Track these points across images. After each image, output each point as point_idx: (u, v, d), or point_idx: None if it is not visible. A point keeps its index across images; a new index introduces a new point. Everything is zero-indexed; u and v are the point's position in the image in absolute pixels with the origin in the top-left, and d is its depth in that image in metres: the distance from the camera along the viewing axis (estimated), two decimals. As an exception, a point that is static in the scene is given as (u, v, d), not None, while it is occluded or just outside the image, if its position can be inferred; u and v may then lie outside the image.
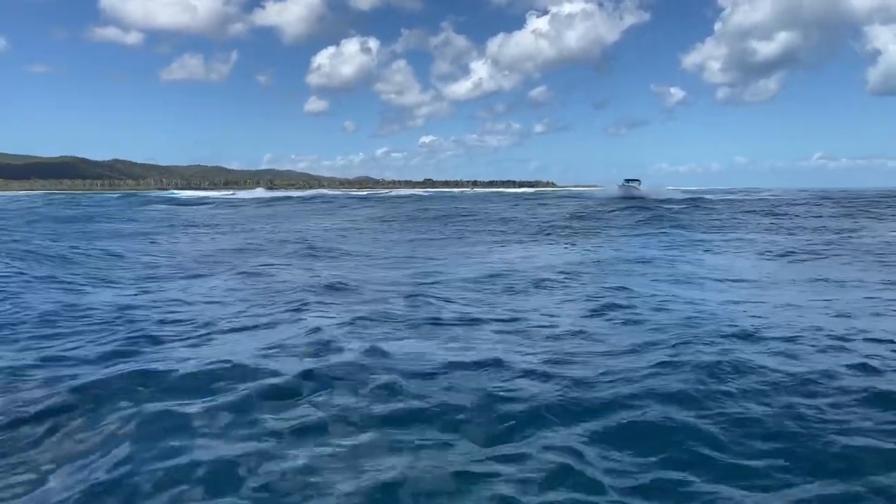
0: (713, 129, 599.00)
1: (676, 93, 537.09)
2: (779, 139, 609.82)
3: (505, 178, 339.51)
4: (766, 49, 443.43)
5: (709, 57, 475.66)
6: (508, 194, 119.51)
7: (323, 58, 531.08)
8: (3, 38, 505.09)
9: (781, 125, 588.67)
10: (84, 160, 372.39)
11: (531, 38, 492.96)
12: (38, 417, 5.08)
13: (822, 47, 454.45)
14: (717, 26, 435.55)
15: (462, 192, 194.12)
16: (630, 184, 66.54)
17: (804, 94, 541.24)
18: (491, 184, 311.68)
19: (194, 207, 56.23)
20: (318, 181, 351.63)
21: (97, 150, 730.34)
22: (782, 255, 17.35)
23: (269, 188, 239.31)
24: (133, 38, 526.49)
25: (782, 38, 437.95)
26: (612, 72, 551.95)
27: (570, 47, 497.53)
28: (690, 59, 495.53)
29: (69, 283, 12.39)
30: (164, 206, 59.73)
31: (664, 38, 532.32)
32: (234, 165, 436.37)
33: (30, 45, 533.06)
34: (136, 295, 10.94)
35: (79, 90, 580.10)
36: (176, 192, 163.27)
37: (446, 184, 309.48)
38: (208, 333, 8.04)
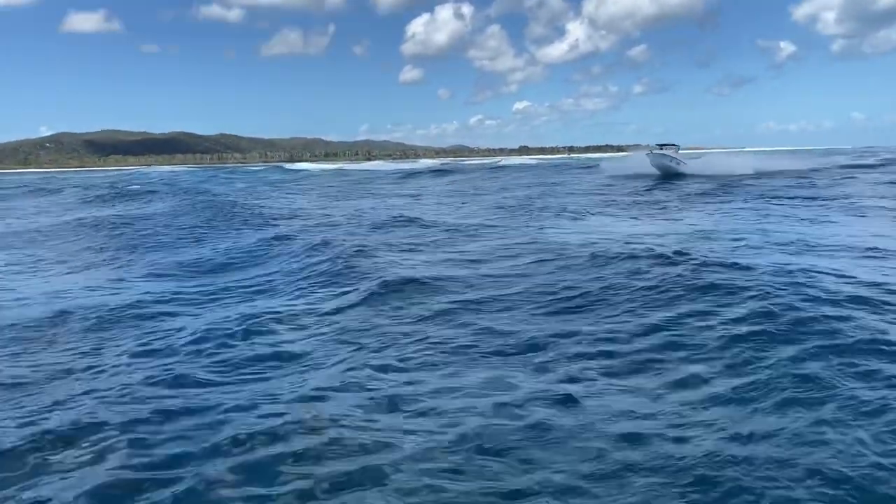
0: (827, 84, 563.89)
1: (786, 47, 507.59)
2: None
3: (602, 143, 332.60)
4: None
5: (823, 7, 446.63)
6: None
7: (417, 26, 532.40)
8: (118, 21, 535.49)
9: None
10: (192, 135, 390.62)
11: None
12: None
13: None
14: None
15: (561, 157, 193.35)
16: (665, 150, 49.01)
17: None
18: (587, 149, 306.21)
19: (371, 183, 57.23)
20: (413, 151, 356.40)
21: (204, 125, 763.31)
22: None
23: (370, 158, 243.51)
24: (234, 14, 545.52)
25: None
26: (717, 28, 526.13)
27: (671, 3, 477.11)
28: (802, 11, 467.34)
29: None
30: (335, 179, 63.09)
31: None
32: (332, 137, 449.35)
33: (141, 26, 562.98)
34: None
35: (186, 67, 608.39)
36: (292, 164, 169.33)
37: (542, 150, 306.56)
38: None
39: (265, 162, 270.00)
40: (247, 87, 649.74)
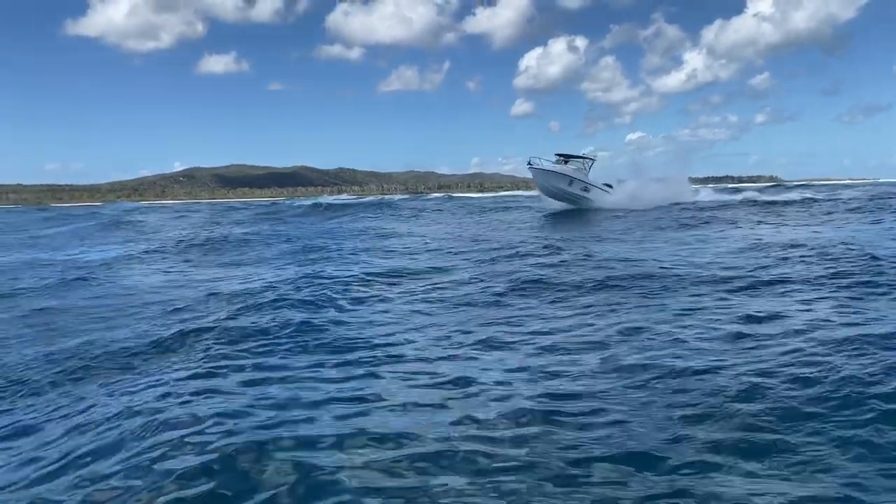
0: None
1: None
2: None
3: (721, 174, 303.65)
4: None
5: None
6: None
7: (530, 60, 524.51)
8: (247, 62, 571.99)
9: None
10: (313, 169, 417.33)
11: (752, 22, 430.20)
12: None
13: None
14: None
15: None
16: (565, 166, 36.58)
17: None
18: (706, 180, 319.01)
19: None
20: (524, 183, 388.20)
21: (323, 159, 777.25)
22: None
23: (482, 190, 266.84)
24: (355, 53, 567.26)
25: None
26: (846, 54, 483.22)
27: (797, 29, 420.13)
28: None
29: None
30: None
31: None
32: (444, 170, 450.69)
33: (268, 66, 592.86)
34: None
35: (308, 105, 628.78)
36: (460, 194, 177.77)
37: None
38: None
39: (383, 193, 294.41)
40: (364, 122, 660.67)
